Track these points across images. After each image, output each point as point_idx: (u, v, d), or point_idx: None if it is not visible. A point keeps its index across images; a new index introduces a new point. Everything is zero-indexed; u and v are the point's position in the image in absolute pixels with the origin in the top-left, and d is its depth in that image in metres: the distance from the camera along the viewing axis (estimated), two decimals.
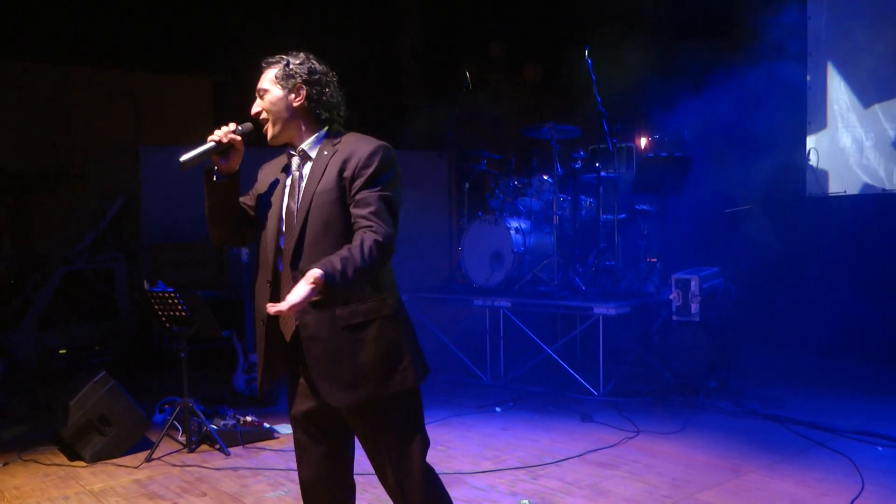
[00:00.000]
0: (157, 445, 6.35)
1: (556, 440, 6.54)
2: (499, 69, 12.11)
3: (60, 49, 16.53)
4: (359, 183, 3.19)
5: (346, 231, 3.18)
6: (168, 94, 18.39)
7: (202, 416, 6.51)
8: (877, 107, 8.89)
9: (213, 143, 3.30)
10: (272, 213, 3.35)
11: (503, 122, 11.00)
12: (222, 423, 6.64)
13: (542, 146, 9.33)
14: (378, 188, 3.19)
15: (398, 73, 16.19)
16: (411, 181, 12.69)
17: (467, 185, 9.85)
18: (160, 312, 6.60)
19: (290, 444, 6.45)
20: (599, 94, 8.71)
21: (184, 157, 3.23)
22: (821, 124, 9.31)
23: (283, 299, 2.90)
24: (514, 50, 12.35)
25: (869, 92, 8.94)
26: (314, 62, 3.40)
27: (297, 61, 3.37)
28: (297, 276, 3.10)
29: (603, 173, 8.79)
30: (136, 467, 6.08)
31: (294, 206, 3.28)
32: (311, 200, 3.22)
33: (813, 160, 9.46)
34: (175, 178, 11.27)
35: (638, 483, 5.48)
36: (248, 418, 6.78)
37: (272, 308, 2.80)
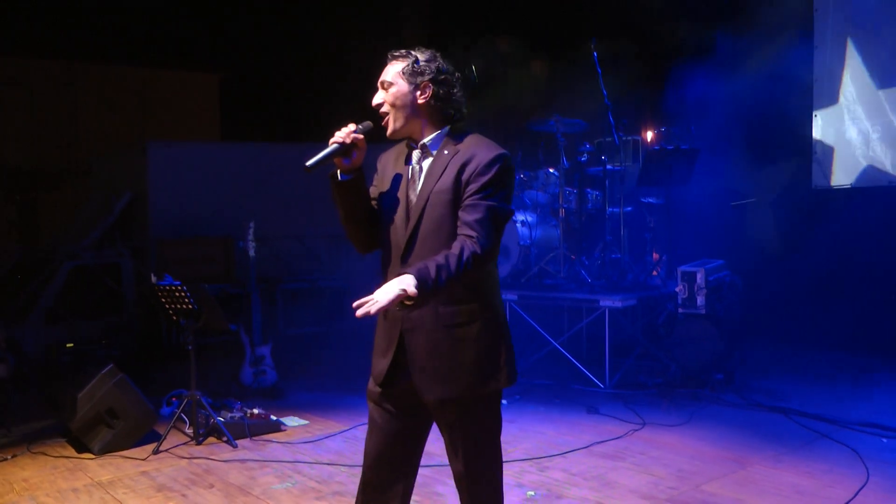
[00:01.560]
0: (165, 438, 6.39)
1: (562, 432, 6.56)
2: (506, 63, 12.10)
3: (67, 46, 16.57)
4: (472, 188, 3.20)
5: (456, 231, 3.21)
6: (175, 90, 18.43)
7: (209, 408, 6.54)
8: (883, 99, 8.87)
9: (336, 146, 3.28)
10: (400, 203, 3.37)
11: (509, 115, 11.00)
12: (229, 415, 6.68)
13: (548, 139, 9.33)
14: (489, 197, 3.20)
15: None
16: None
17: None
18: (167, 306, 6.62)
19: (297, 437, 6.55)
20: (605, 87, 8.70)
21: (309, 162, 3.22)
22: (827, 117, 9.30)
23: None
24: (522, 44, 12.35)
25: (875, 84, 8.93)
26: (441, 60, 3.38)
27: (425, 58, 3.35)
28: (405, 270, 3.13)
29: (609, 166, 8.79)
30: (143, 459, 6.12)
31: (413, 200, 3.32)
32: (428, 198, 3.25)
33: (819, 152, 9.44)
34: (183, 174, 11.32)
35: (644, 475, 5.50)
36: (256, 411, 6.81)
37: (360, 311, 2.87)
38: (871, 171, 9.01)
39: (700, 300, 7.70)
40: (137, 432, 6.48)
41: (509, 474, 5.52)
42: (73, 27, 16.32)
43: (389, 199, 3.40)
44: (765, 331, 9.27)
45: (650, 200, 9.10)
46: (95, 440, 6.33)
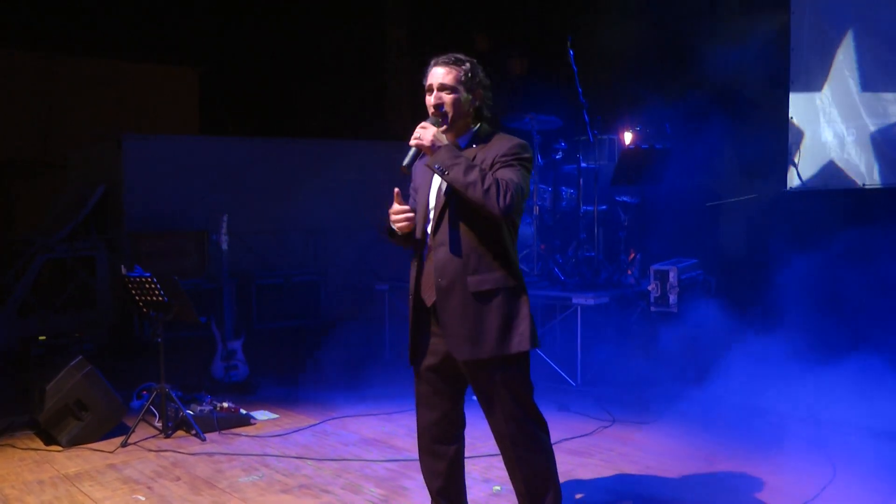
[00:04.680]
0: (133, 430, 6.36)
1: None
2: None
3: (46, 38, 16.46)
4: (497, 165, 3.70)
5: (482, 213, 3.65)
6: (154, 84, 18.33)
7: (178, 401, 6.51)
8: (858, 102, 8.89)
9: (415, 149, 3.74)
10: (424, 197, 3.91)
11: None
12: (199, 408, 6.65)
13: (524, 137, 9.31)
14: (514, 164, 3.71)
15: (384, 64, 16.18)
16: (390, 170, 12.69)
17: None
18: (137, 297, 6.58)
19: (266, 431, 6.56)
20: (581, 85, 8.71)
21: (405, 163, 3.75)
22: (802, 119, 9.31)
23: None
24: (500, 42, 12.36)
25: (851, 87, 8.95)
26: (480, 66, 3.92)
27: (475, 68, 3.88)
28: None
29: (583, 164, 8.81)
30: (111, 452, 6.09)
31: (443, 190, 3.80)
32: None
33: (794, 154, 9.47)
34: (158, 167, 11.28)
35: (611, 471, 5.51)
36: (225, 405, 6.78)
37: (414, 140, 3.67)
38: (845, 174, 9.03)
39: (672, 298, 7.73)
40: (106, 425, 6.45)
41: (476, 469, 5.52)
42: (51, 19, 16.21)
43: (423, 192, 3.91)
44: (736, 329, 9.30)
45: (625, 199, 9.12)
46: (63, 432, 6.29)
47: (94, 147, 12.73)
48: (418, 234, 3.92)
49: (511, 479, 4.01)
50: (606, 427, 6.56)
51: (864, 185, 8.87)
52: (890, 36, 8.42)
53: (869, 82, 8.76)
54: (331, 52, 16.61)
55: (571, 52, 8.65)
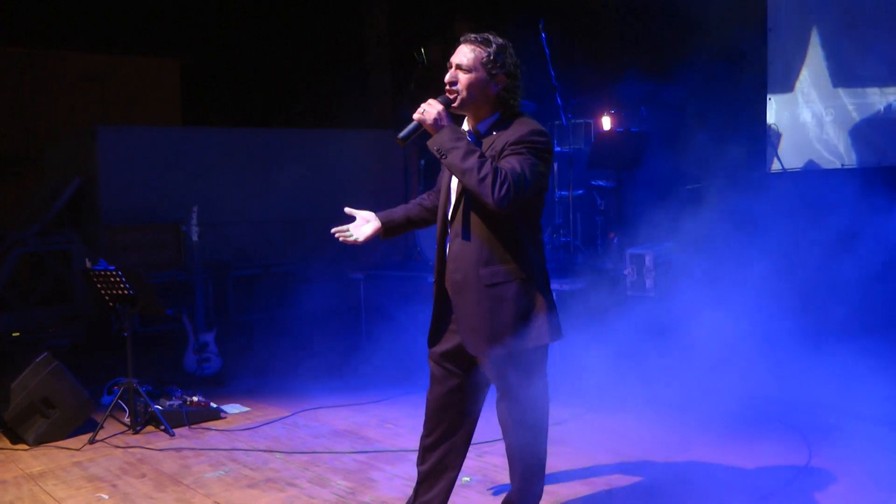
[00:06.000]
0: (101, 427, 6.27)
1: None
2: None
3: (26, 32, 16.36)
4: (507, 152, 3.55)
5: None
6: (136, 76, 18.25)
7: (146, 396, 6.41)
8: (836, 82, 8.84)
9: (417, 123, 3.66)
10: (447, 179, 3.84)
11: None
12: (168, 403, 6.56)
13: None
14: (523, 152, 3.53)
15: (366, 53, 16.11)
16: (371, 159, 12.58)
17: (423, 161, 9.76)
18: (103, 291, 6.48)
19: (236, 424, 6.48)
20: (553, 68, 8.62)
21: (400, 135, 3.72)
22: (781, 100, 9.26)
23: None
24: (479, 28, 12.29)
25: (829, 67, 8.90)
26: (512, 52, 3.72)
27: (503, 51, 3.68)
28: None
29: (558, 148, 8.72)
30: (78, 449, 6.00)
31: None
32: None
33: (773, 136, 9.41)
34: (134, 159, 11.17)
35: (585, 459, 5.45)
36: (195, 399, 6.69)
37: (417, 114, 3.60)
38: (824, 155, 8.99)
39: (649, 282, 7.65)
40: (74, 422, 6.35)
41: None
42: (32, 13, 16.11)
43: (448, 174, 3.81)
44: (714, 312, 9.24)
45: (601, 183, 9.04)
46: (30, 431, 6.19)
47: (69, 140, 12.64)
48: (440, 219, 3.85)
49: (510, 468, 4.10)
50: (581, 414, 6.51)
51: (842, 165, 8.82)
52: (867, 15, 8.36)
53: (847, 62, 8.70)
54: (312, 42, 16.55)
55: (544, 36, 8.56)
